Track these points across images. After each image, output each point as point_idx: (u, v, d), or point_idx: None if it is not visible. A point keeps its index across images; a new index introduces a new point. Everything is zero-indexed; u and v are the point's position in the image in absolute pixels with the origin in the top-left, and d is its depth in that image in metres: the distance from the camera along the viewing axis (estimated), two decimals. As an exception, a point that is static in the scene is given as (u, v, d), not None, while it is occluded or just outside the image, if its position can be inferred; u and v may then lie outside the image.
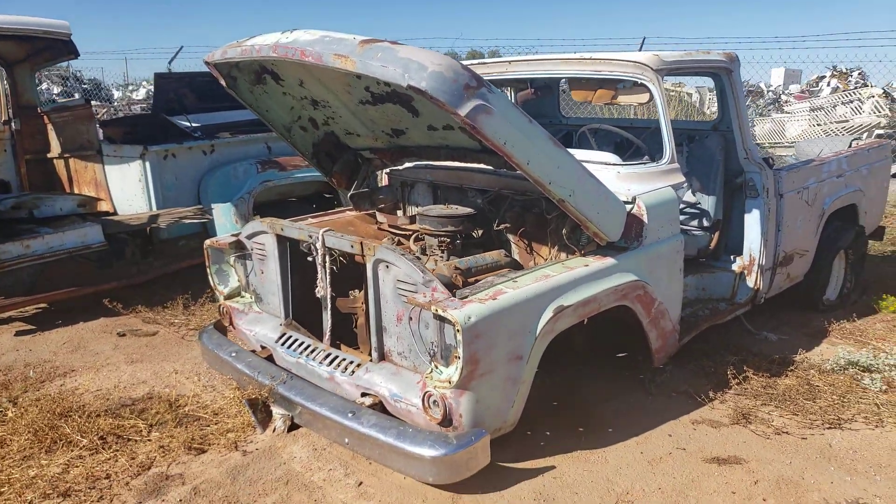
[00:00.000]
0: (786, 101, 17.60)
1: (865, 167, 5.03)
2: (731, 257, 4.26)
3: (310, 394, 3.13)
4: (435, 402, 2.73)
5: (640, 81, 3.59)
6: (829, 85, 18.27)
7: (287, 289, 3.58)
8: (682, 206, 4.30)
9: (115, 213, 5.70)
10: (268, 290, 3.71)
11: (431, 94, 2.45)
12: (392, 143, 3.73)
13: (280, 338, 3.53)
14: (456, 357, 2.63)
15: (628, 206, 3.31)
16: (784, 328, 4.59)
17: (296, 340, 3.47)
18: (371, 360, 3.14)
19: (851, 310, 4.84)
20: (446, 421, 2.71)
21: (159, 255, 5.58)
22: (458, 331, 2.57)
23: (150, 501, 2.84)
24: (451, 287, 2.87)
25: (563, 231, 3.29)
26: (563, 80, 4.86)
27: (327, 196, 6.26)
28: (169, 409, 3.53)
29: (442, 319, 2.68)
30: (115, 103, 17.59)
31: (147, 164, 5.37)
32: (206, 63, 3.38)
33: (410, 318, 2.91)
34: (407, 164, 4.05)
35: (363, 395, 3.03)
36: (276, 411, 3.30)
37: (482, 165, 3.52)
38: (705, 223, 4.30)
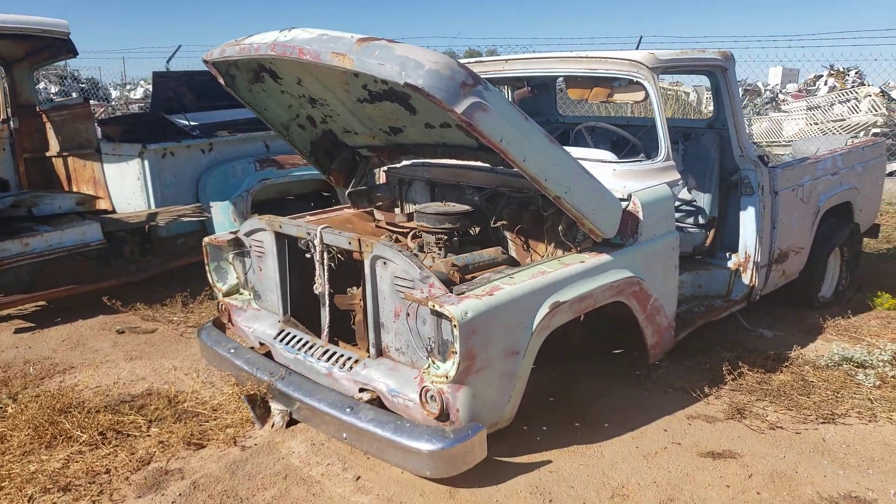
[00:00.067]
0: (783, 100, 17.64)
1: (860, 165, 5.06)
2: (727, 254, 4.29)
3: (308, 389, 3.16)
4: (432, 396, 2.75)
5: (635, 79, 3.62)
6: (826, 84, 18.31)
7: (285, 286, 3.60)
8: (677, 203, 4.33)
9: (113, 212, 5.72)
10: (266, 287, 3.73)
11: (428, 92, 2.47)
12: (390, 141, 3.76)
13: (278, 334, 3.55)
14: (453, 352, 2.66)
15: (624, 204, 3.33)
16: (779, 325, 4.62)
17: (294, 337, 3.49)
18: (369, 356, 3.16)
19: (846, 307, 4.88)
20: (443, 416, 2.74)
21: (158, 252, 5.59)
22: (454, 326, 2.60)
23: (150, 496, 2.86)
24: (448, 283, 2.90)
25: (560, 228, 3.31)
26: (560, 78, 4.88)
27: (325, 194, 6.28)
28: (168, 406, 3.55)
29: (439, 315, 2.71)
30: (113, 103, 17.60)
31: (146, 162, 5.39)
32: (205, 61, 3.40)
33: (408, 314, 2.94)
34: (404, 162, 4.07)
35: (361, 390, 3.06)
36: (275, 407, 3.33)
37: (479, 163, 3.54)
38: (701, 220, 4.33)
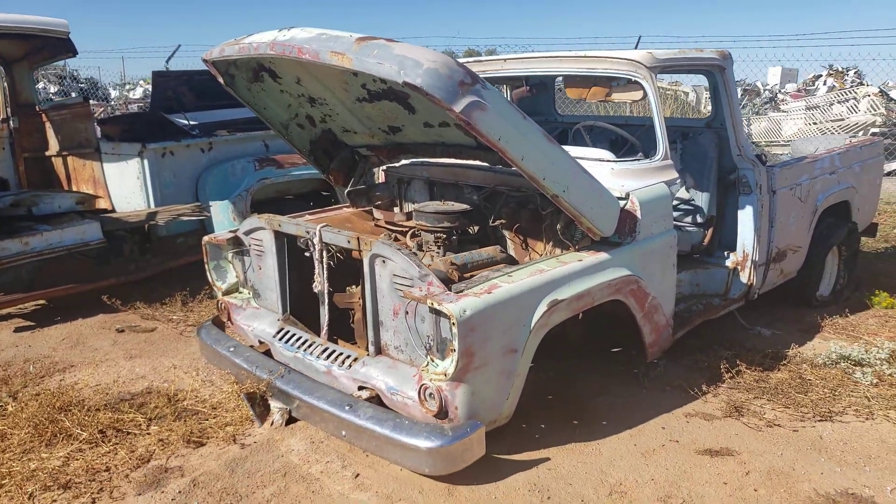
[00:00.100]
0: (782, 100, 17.66)
1: (858, 164, 5.07)
2: (725, 253, 4.30)
3: (307, 387, 3.17)
4: (431, 394, 2.77)
5: (633, 79, 3.63)
6: (825, 84, 18.34)
7: (285, 284, 3.62)
8: (676, 202, 4.35)
9: (113, 211, 5.72)
10: (265, 286, 3.75)
11: (427, 91, 2.49)
12: (389, 141, 3.77)
13: (278, 333, 3.56)
14: (451, 350, 2.67)
15: (622, 202, 3.35)
16: (777, 323, 4.64)
17: (293, 335, 3.50)
18: (368, 354, 3.18)
19: (844, 305, 4.90)
20: (442, 413, 2.75)
21: (157, 252, 5.60)
22: (453, 324, 2.61)
23: (150, 493, 2.87)
24: (446, 282, 2.91)
25: (558, 226, 3.33)
26: (559, 77, 4.90)
27: (325, 194, 6.29)
28: (168, 404, 3.56)
29: (438, 313, 2.72)
30: (112, 102, 17.60)
31: (145, 161, 5.40)
32: (204, 61, 3.41)
33: (407, 313, 2.95)
34: (403, 161, 4.08)
35: (360, 388, 3.07)
36: (274, 405, 3.34)
37: (478, 162, 3.56)
38: (699, 219, 4.35)
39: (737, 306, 4.30)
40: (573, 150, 3.46)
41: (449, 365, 2.69)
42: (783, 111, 15.71)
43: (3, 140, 5.96)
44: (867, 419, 3.36)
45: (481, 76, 2.66)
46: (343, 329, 3.47)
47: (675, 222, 3.81)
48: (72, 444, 3.18)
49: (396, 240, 3.75)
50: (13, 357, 4.44)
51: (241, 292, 3.99)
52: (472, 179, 3.77)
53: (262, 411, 3.37)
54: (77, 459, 3.08)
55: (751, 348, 4.15)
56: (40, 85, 17.41)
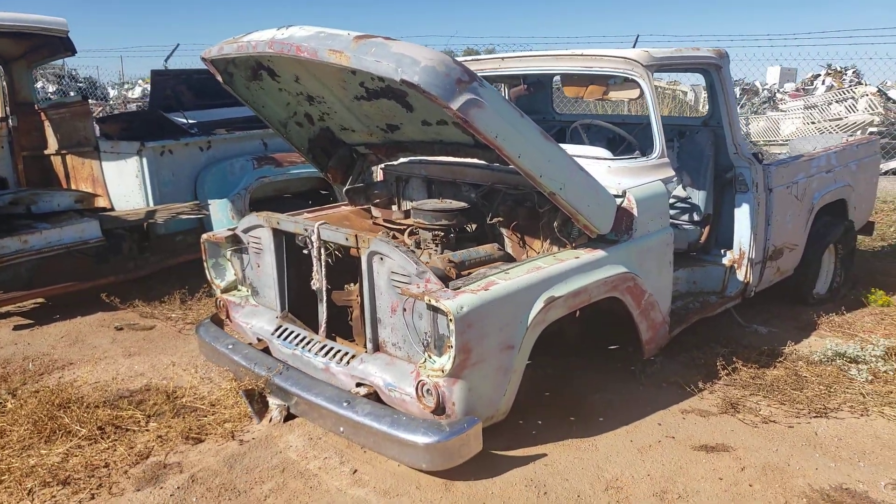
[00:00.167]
0: (781, 100, 17.68)
1: (854, 163, 5.09)
2: (722, 251, 4.32)
3: (305, 384, 3.19)
4: (428, 390, 2.78)
5: (630, 77, 3.65)
6: (823, 83, 18.36)
7: (283, 282, 3.63)
8: (673, 200, 4.37)
9: (112, 209, 5.73)
10: (264, 284, 3.76)
11: (424, 88, 2.50)
12: (387, 139, 3.78)
13: (276, 330, 3.58)
14: (449, 346, 2.69)
15: (618, 200, 3.36)
16: (774, 321, 4.66)
17: (292, 332, 3.52)
18: (366, 351, 3.19)
19: (841, 303, 4.92)
20: (439, 409, 2.77)
21: (156, 250, 5.62)
22: (450, 320, 2.63)
23: (149, 489, 2.89)
24: (444, 279, 2.93)
25: (555, 224, 3.35)
26: (556, 76, 4.92)
27: (323, 192, 6.30)
28: (167, 401, 3.58)
29: (435, 310, 2.74)
30: (111, 101, 17.60)
31: (144, 160, 5.41)
32: (203, 59, 3.43)
33: (404, 310, 2.97)
34: (401, 160, 4.10)
35: (358, 385, 3.09)
36: (273, 402, 3.36)
37: (475, 160, 3.57)
38: (696, 217, 4.37)
39: (733, 304, 4.32)
40: (570, 148, 3.48)
41: (446, 361, 2.71)
42: (782, 110, 15.74)
43: (1, 139, 5.97)
44: (862, 415, 3.38)
45: (479, 74, 2.68)
46: (341, 326, 3.49)
47: (671, 220, 3.84)
48: (71, 441, 3.19)
49: (394, 237, 3.77)
50: (12, 354, 4.45)
51: (239, 290, 4.01)
52: (470, 177, 3.79)
53: (261, 408, 3.39)
54: (76, 456, 3.09)
55: (747, 345, 4.17)
56: (39, 84, 17.41)
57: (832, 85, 17.54)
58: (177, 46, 13.31)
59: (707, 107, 4.50)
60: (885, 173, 9.88)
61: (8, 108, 5.99)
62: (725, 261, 4.27)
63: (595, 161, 3.59)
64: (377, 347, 3.17)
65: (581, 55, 3.86)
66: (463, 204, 3.63)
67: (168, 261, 5.59)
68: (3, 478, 2.92)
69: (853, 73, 18.33)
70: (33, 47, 5.82)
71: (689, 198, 4.39)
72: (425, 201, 3.76)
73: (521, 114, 2.80)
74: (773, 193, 4.24)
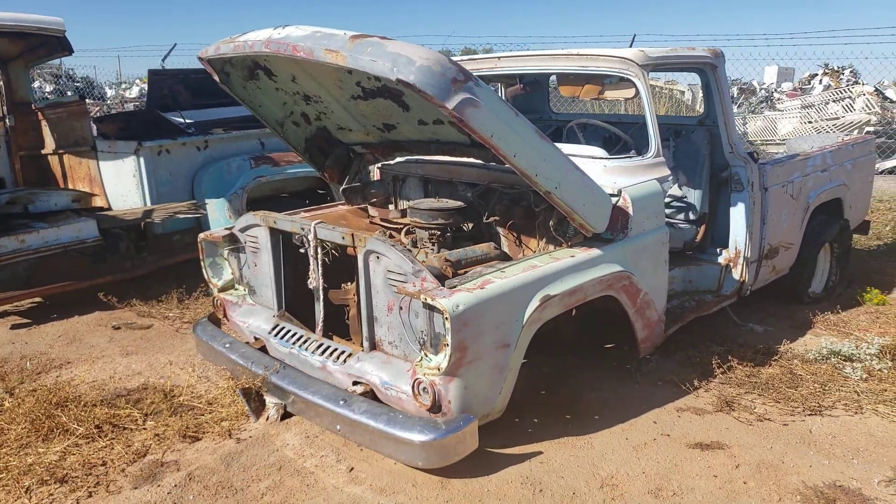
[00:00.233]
0: (778, 99, 17.71)
1: (849, 162, 5.11)
2: (717, 250, 4.34)
3: (302, 383, 3.20)
4: (424, 388, 2.79)
5: (625, 77, 3.66)
6: (821, 83, 18.41)
7: (280, 281, 3.64)
8: (668, 199, 4.39)
9: (109, 209, 5.74)
10: (261, 283, 3.77)
11: (419, 88, 2.51)
12: (383, 138, 3.79)
13: (273, 329, 3.59)
14: (445, 345, 2.70)
15: (614, 199, 3.38)
16: (770, 320, 4.68)
17: (289, 331, 3.53)
18: (362, 350, 3.20)
19: (836, 302, 4.94)
20: (435, 407, 2.78)
21: (153, 249, 5.62)
22: (446, 319, 2.64)
23: (146, 487, 2.90)
24: (440, 278, 2.94)
25: (551, 223, 3.36)
26: (552, 76, 4.93)
27: (320, 192, 6.31)
28: (164, 399, 3.58)
29: (431, 308, 2.75)
30: (109, 101, 17.58)
31: (141, 159, 5.41)
32: (200, 59, 3.43)
33: (401, 308, 2.98)
34: (398, 159, 4.11)
35: (355, 383, 3.10)
36: (270, 400, 3.37)
37: (472, 160, 3.58)
38: (691, 216, 4.38)
39: (729, 303, 4.33)
40: (566, 148, 3.49)
41: (442, 359, 2.72)
42: (779, 110, 15.77)
43: (-1, 138, 5.97)
44: (856, 413, 3.40)
45: (475, 74, 2.69)
46: (338, 325, 3.50)
47: (667, 219, 3.85)
48: (68, 439, 3.20)
49: (391, 237, 3.78)
50: (10, 354, 4.45)
51: (236, 289, 4.02)
52: (467, 177, 3.80)
53: (258, 406, 3.40)
54: (74, 454, 3.10)
55: (743, 344, 4.18)
56: (36, 84, 17.38)
57: (829, 84, 17.59)
58: (174, 46, 13.30)
59: (703, 106, 4.52)
60: (881, 172, 9.90)
61: (5, 108, 5.99)
62: (721, 260, 4.29)
63: (591, 160, 3.60)
64: (374, 346, 3.18)
65: (577, 55, 3.87)
66: (459, 203, 3.64)
67: (165, 260, 5.60)
68: (0, 476, 2.93)
69: (850, 72, 18.39)
70: (30, 47, 5.82)
71: (685, 197, 4.40)
72: (422, 200, 3.77)
73: (516, 113, 2.81)
74: (768, 192, 4.25)
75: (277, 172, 5.91)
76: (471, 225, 3.71)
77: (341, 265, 3.38)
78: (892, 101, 14.58)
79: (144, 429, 3.33)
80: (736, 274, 4.26)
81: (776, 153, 9.51)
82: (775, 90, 19.60)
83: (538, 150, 2.90)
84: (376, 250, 3.04)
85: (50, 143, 6.02)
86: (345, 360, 3.19)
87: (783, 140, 12.52)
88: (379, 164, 4.25)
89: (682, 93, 17.40)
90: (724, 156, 4.19)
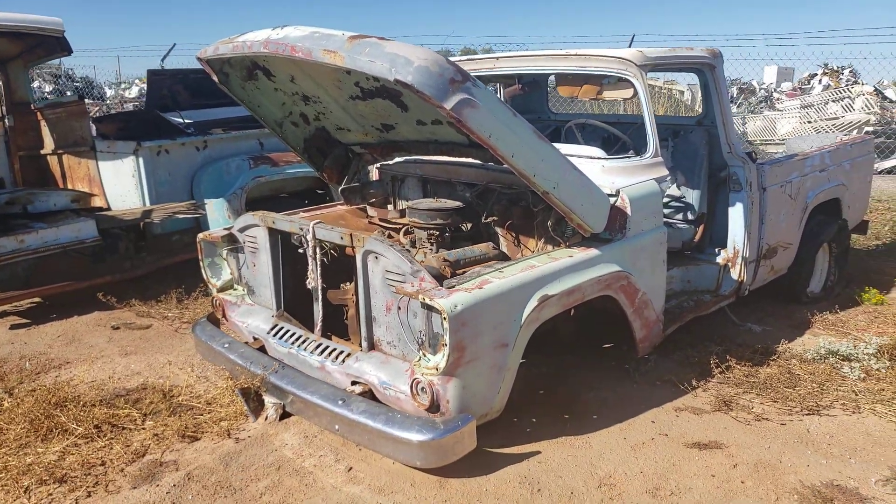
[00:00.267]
0: (777, 99, 17.72)
1: (848, 162, 5.12)
2: (716, 250, 4.34)
3: (301, 383, 3.20)
4: (423, 388, 2.80)
5: (624, 77, 3.67)
6: (820, 82, 18.42)
7: (279, 281, 3.65)
8: (667, 199, 4.39)
9: (108, 209, 5.74)
10: (260, 283, 3.78)
11: (417, 88, 2.52)
12: (382, 138, 3.80)
13: (272, 329, 3.60)
14: (443, 345, 2.70)
15: (612, 199, 3.38)
16: (768, 319, 4.68)
17: (287, 331, 3.53)
18: (361, 350, 3.21)
19: (834, 302, 4.94)
20: (434, 407, 2.79)
21: (153, 249, 5.63)
22: (444, 319, 2.64)
23: (145, 487, 2.90)
24: (439, 278, 2.95)
25: (549, 223, 3.36)
26: (551, 76, 4.94)
27: (319, 192, 6.32)
28: (163, 399, 3.59)
29: (429, 308, 2.75)
30: (108, 101, 17.58)
31: (140, 159, 5.42)
32: (199, 59, 3.44)
33: (399, 308, 2.98)
34: (397, 159, 4.11)
35: (353, 383, 3.10)
36: (268, 400, 3.37)
37: (470, 160, 3.59)
38: (690, 216, 4.39)
39: (727, 302, 4.34)
40: (564, 148, 3.50)
41: (440, 359, 2.72)
42: (778, 110, 15.78)
43: (-2, 138, 5.97)
44: (854, 413, 3.40)
45: (474, 74, 2.70)
46: (337, 325, 3.50)
47: (666, 219, 3.85)
48: (67, 439, 3.20)
49: (390, 237, 3.78)
50: (9, 354, 4.46)
51: (235, 289, 4.02)
52: (465, 177, 3.80)
53: (257, 406, 3.40)
54: (72, 454, 3.10)
55: (741, 344, 4.19)
56: (35, 84, 17.38)
57: (829, 84, 17.60)
58: (173, 46, 13.30)
59: (702, 106, 4.52)
60: (880, 172, 9.91)
61: (4, 108, 5.99)
62: (719, 259, 4.30)
63: (589, 160, 3.61)
64: (372, 346, 3.19)
65: (575, 55, 3.87)
66: (458, 203, 3.64)
67: (164, 260, 5.61)
68: (0, 476, 2.93)
69: (850, 72, 18.40)
70: (29, 47, 5.83)
71: (684, 197, 4.41)
72: (420, 200, 3.78)
73: (514, 113, 2.82)
74: (766, 192, 4.26)
75: (276, 172, 5.91)
76: (469, 225, 3.71)
77: (340, 265, 3.39)
78: (891, 101, 14.59)
79: (143, 429, 3.34)
80: (734, 274, 4.26)
81: (775, 153, 9.52)
82: (775, 90, 19.61)
83: (536, 150, 2.91)
84: (375, 250, 3.05)
85: (49, 144, 6.02)
86: (343, 360, 3.19)
87: (782, 140, 12.53)
88: (378, 165, 4.25)
89: (682, 93, 17.42)
90: (723, 156, 4.20)
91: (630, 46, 9.12)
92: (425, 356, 2.84)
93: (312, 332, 3.47)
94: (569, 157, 3.12)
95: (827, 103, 14.07)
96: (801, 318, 4.66)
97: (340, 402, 2.96)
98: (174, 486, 2.90)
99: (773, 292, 4.83)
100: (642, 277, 3.46)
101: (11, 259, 4.84)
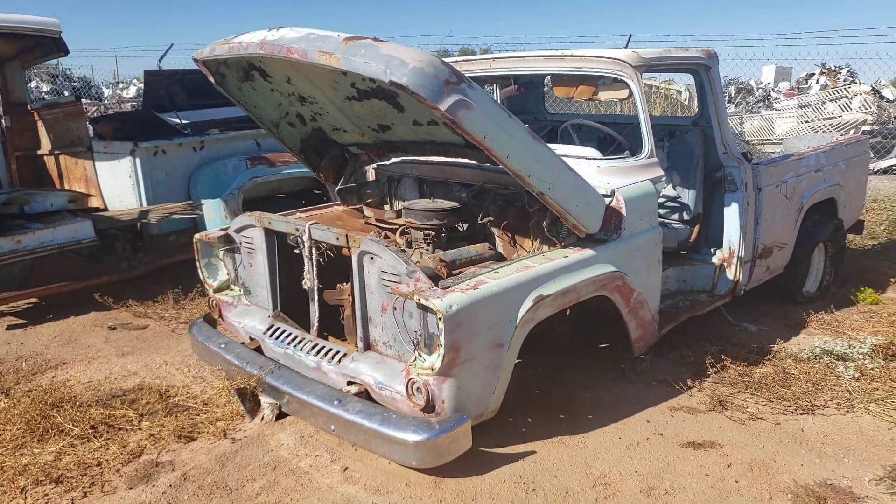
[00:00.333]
0: (775, 98, 17.74)
1: (843, 162, 5.13)
2: (712, 250, 4.35)
3: (297, 383, 3.21)
4: (418, 388, 2.81)
5: (619, 78, 3.68)
6: (818, 82, 18.45)
7: (275, 281, 3.65)
8: (663, 200, 4.41)
9: (105, 209, 5.75)
10: (256, 283, 3.78)
11: (412, 90, 2.53)
12: (378, 139, 3.81)
13: (268, 329, 3.60)
14: (438, 345, 2.71)
15: (607, 200, 3.39)
16: (764, 319, 4.69)
17: (284, 332, 3.54)
18: (357, 350, 3.22)
19: (830, 301, 4.96)
20: (429, 407, 2.80)
21: (149, 250, 5.63)
22: (439, 319, 2.65)
23: (141, 487, 2.91)
24: (434, 278, 2.95)
25: (544, 223, 3.37)
26: (547, 76, 4.94)
27: (316, 192, 6.32)
28: (159, 400, 3.59)
29: (425, 308, 2.77)
30: (106, 101, 17.57)
31: (137, 160, 5.42)
32: (195, 60, 3.45)
33: (395, 308, 2.99)
34: (393, 160, 4.12)
35: (349, 383, 3.11)
36: (265, 400, 3.38)
37: (466, 160, 3.60)
38: (686, 217, 4.40)
39: (723, 302, 4.35)
40: (559, 149, 3.51)
41: (436, 360, 2.73)
42: (776, 109, 15.80)
43: (-6, 139, 5.97)
44: (848, 412, 3.42)
45: (470, 75, 2.72)
46: (333, 325, 3.51)
47: (661, 219, 3.87)
48: (63, 440, 3.21)
49: (386, 237, 3.79)
50: (6, 354, 4.46)
51: (232, 289, 4.03)
52: (461, 177, 3.81)
53: (253, 407, 3.41)
54: (69, 454, 3.11)
55: (736, 343, 4.20)
56: (33, 83, 17.36)
57: (826, 84, 17.63)
58: (170, 46, 13.28)
59: (697, 107, 4.53)
60: (877, 172, 9.93)
61: (1, 109, 5.99)
62: (715, 259, 4.31)
63: (584, 161, 3.62)
64: (368, 346, 3.20)
65: (570, 56, 3.89)
66: (454, 204, 3.65)
67: (161, 261, 5.61)
68: (-5, 476, 2.94)
69: (847, 72, 18.44)
70: (26, 48, 5.83)
71: (679, 197, 4.42)
72: (417, 201, 3.79)
73: (509, 114, 2.83)
74: (762, 193, 4.27)
75: (273, 173, 5.92)
76: (465, 225, 3.72)
77: (336, 266, 3.39)
78: (888, 101, 14.63)
79: (140, 429, 3.34)
80: (730, 274, 4.28)
81: (773, 153, 9.53)
82: (773, 90, 19.64)
83: (531, 151, 2.92)
84: (370, 251, 3.06)
85: (46, 144, 6.02)
86: (339, 361, 3.20)
87: (780, 140, 12.55)
88: (374, 165, 4.26)
89: (680, 92, 17.43)
90: (718, 156, 4.21)
91: (627, 47, 9.14)
92: (421, 356, 2.85)
93: (309, 332, 3.48)
94: (564, 158, 3.13)
95: (824, 103, 14.10)
96: (796, 317, 4.67)
97: (336, 403, 2.97)
98: (170, 486, 2.91)
99: (769, 292, 4.84)
100: (637, 277, 3.47)
101: (8, 259, 4.84)
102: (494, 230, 3.71)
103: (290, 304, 3.67)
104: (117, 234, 5.45)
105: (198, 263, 4.01)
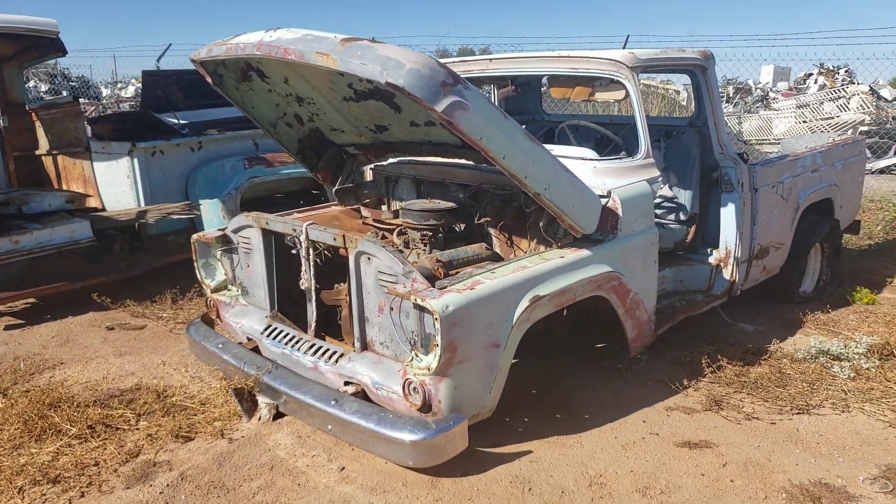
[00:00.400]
0: (773, 98, 17.76)
1: (840, 162, 5.15)
2: (708, 250, 4.37)
3: (294, 383, 3.22)
4: (415, 388, 2.82)
5: (615, 78, 3.69)
6: (816, 82, 18.47)
7: (272, 282, 3.66)
8: (659, 200, 4.42)
9: (103, 209, 5.75)
10: (254, 283, 3.79)
11: (409, 91, 2.54)
12: (376, 139, 3.81)
13: (266, 329, 3.61)
14: (435, 345, 2.72)
15: (603, 200, 3.40)
16: (760, 319, 4.71)
17: (281, 332, 3.55)
18: (354, 350, 3.23)
19: (826, 301, 4.98)
20: (426, 407, 2.80)
21: (147, 250, 5.64)
22: (436, 319, 2.66)
23: (138, 487, 2.91)
24: (431, 278, 2.96)
25: (541, 224, 3.38)
26: (544, 77, 4.95)
27: (314, 192, 6.33)
28: (157, 400, 3.60)
29: (421, 309, 2.77)
30: (104, 101, 17.55)
31: (135, 160, 5.43)
32: (193, 61, 3.45)
33: (392, 309, 3.00)
34: (391, 160, 4.13)
35: (346, 383, 3.12)
36: (262, 400, 3.39)
37: (463, 161, 3.61)
38: (682, 217, 4.41)
39: (719, 302, 4.37)
40: (556, 149, 3.52)
41: (432, 360, 2.74)
42: (774, 109, 15.81)
43: (-8, 139, 5.97)
44: (843, 412, 3.43)
45: (467, 76, 2.73)
46: (330, 325, 3.52)
47: (658, 220, 3.88)
48: (61, 440, 3.21)
49: (383, 238, 3.80)
50: (3, 354, 4.46)
51: (229, 290, 4.03)
52: (459, 178, 3.82)
53: (250, 406, 3.42)
54: (66, 454, 3.11)
55: (733, 343, 4.22)
56: (31, 83, 17.34)
57: (825, 84, 17.65)
58: (168, 46, 13.27)
59: (694, 107, 4.55)
60: (875, 172, 9.95)
61: (-1, 109, 6.00)
62: (712, 260, 4.32)
63: (581, 162, 3.63)
64: (365, 346, 3.20)
65: (567, 56, 3.90)
66: (451, 204, 3.66)
67: (159, 261, 5.62)
68: (-7, 476, 2.95)
69: (845, 72, 18.46)
70: (24, 48, 5.83)
71: (676, 197, 4.43)
72: (414, 201, 3.79)
73: (505, 115, 2.84)
74: (758, 193, 4.29)
75: (271, 173, 5.92)
76: (462, 226, 3.73)
77: (333, 266, 3.40)
78: (886, 101, 14.64)
79: (137, 429, 3.35)
80: (726, 274, 4.29)
81: (771, 153, 9.55)
82: (771, 90, 19.66)
83: (527, 152, 2.93)
84: (367, 251, 3.06)
85: (44, 144, 6.03)
86: (336, 361, 3.21)
87: (778, 140, 12.57)
88: (371, 165, 4.27)
89: (678, 92, 17.44)
90: (715, 156, 4.22)
91: (624, 47, 9.15)
92: (417, 356, 2.86)
93: (306, 332, 3.48)
94: (561, 159, 3.14)
95: (822, 103, 14.11)
96: (792, 317, 4.69)
97: (333, 403, 2.98)
98: (167, 486, 2.92)
99: (766, 292, 4.85)
100: (634, 278, 3.48)
101: (6, 260, 4.85)
102: (491, 230, 3.72)
103: (287, 304, 3.68)
104: (115, 234, 5.46)
105: (195, 264, 4.02)
